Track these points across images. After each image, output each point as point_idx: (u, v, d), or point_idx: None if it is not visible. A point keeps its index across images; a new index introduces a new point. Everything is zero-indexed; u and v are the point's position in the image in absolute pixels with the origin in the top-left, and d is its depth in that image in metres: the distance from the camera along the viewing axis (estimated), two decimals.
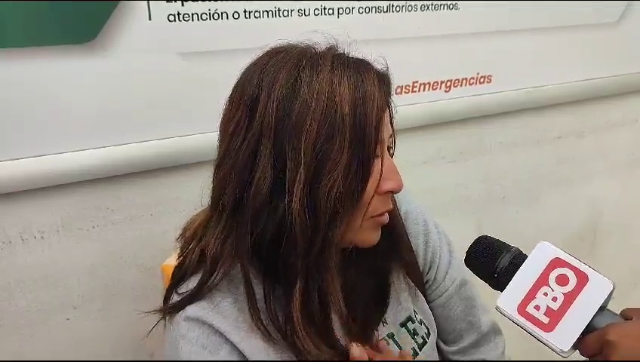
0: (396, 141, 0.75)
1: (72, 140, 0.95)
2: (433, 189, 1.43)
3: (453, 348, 0.90)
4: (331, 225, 0.65)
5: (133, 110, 0.98)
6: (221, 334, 0.69)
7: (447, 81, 1.33)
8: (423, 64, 1.28)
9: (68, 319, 1.04)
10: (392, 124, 0.73)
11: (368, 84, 0.66)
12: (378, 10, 1.17)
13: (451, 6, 1.26)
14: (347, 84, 0.65)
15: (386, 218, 0.73)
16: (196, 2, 0.98)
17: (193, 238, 0.76)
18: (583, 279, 0.57)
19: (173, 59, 0.99)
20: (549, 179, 1.65)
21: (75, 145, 0.95)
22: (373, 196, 0.68)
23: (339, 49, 0.71)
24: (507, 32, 1.37)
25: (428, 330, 0.85)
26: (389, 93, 0.70)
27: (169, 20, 0.97)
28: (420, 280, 0.85)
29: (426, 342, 0.84)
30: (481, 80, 1.38)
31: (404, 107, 1.25)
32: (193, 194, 1.09)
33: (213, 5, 0.99)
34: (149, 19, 0.95)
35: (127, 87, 0.96)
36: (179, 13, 0.97)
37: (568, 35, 1.48)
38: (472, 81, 1.37)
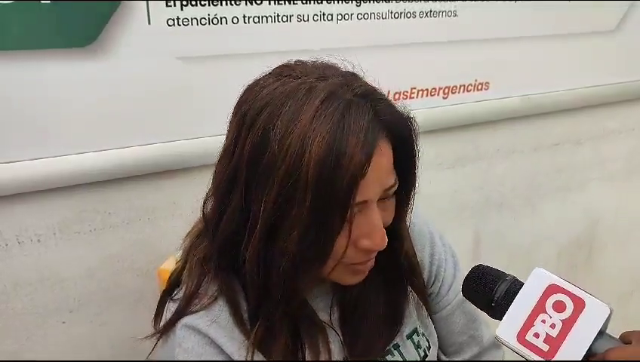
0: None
1: (70, 143, 0.95)
2: (430, 196, 1.42)
3: (454, 360, 0.89)
4: (284, 282, 0.63)
5: (131, 114, 0.99)
6: (217, 345, 0.69)
7: (445, 87, 1.33)
8: (422, 70, 1.28)
9: (64, 322, 1.03)
10: (412, 166, 0.68)
11: (350, 137, 0.59)
12: (377, 16, 1.17)
13: (450, 13, 1.26)
14: (322, 141, 0.58)
15: (369, 265, 0.70)
16: (195, 7, 0.98)
17: (191, 246, 0.76)
18: (579, 304, 0.56)
19: (173, 64, 1.00)
20: (546, 186, 1.65)
21: (72, 148, 0.95)
22: (346, 249, 0.64)
23: (345, 85, 0.63)
24: (505, 39, 1.38)
25: (429, 343, 0.84)
26: (373, 149, 0.61)
27: (168, 25, 0.97)
28: (423, 293, 0.84)
29: (427, 356, 0.83)
30: (479, 87, 1.39)
31: None
32: (191, 199, 1.09)
33: (212, 10, 1.00)
34: (149, 23, 0.96)
35: (125, 91, 0.97)
36: (178, 18, 0.98)
37: (566, 42, 1.48)
38: (469, 87, 1.37)
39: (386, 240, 0.66)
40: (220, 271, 0.70)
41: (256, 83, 0.67)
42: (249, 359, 0.67)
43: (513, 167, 1.56)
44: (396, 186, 0.67)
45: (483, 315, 0.89)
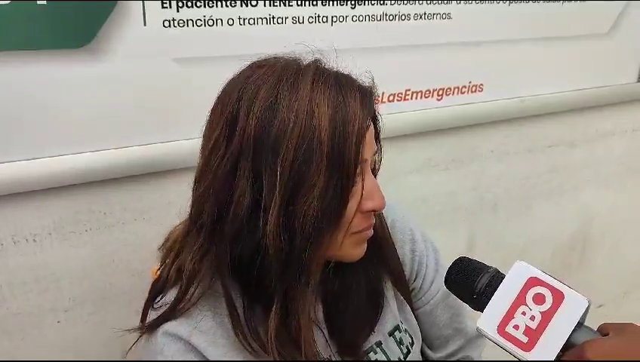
0: (387, 149, 0.75)
1: (65, 143, 0.95)
2: (425, 197, 1.43)
3: (439, 354, 0.90)
4: (308, 247, 0.64)
5: (127, 114, 0.99)
6: (198, 352, 0.69)
7: (440, 89, 1.34)
8: (416, 72, 1.29)
9: (59, 322, 1.04)
10: (377, 140, 0.72)
11: (350, 103, 0.64)
12: (372, 18, 1.18)
13: (444, 15, 1.27)
14: (327, 105, 0.63)
15: (370, 232, 0.73)
16: (191, 9, 0.99)
17: (172, 250, 0.76)
18: (559, 297, 0.57)
19: (168, 65, 1.00)
20: (540, 187, 1.67)
21: (68, 148, 0.96)
22: (354, 215, 0.67)
23: (323, 63, 0.70)
24: (499, 41, 1.39)
25: (412, 339, 0.85)
26: (372, 109, 0.69)
27: (164, 26, 0.98)
28: (406, 289, 0.86)
29: (410, 352, 0.84)
30: (473, 89, 1.40)
31: (396, 115, 1.27)
32: (185, 199, 1.10)
33: (208, 12, 1.00)
34: (144, 24, 0.96)
35: (121, 92, 0.97)
36: (174, 19, 0.98)
37: (559, 45, 1.50)
38: (463, 89, 1.38)
39: (385, 201, 0.70)
40: (216, 272, 0.69)
41: (236, 78, 0.70)
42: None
43: (507, 169, 1.57)
44: (380, 154, 0.73)
45: (467, 307, 0.91)
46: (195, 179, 0.71)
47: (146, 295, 1.00)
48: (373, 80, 0.72)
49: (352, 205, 0.66)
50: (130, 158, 1.01)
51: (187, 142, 1.05)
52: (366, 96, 0.67)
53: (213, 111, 0.70)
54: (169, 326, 0.70)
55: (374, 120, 0.71)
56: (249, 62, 0.71)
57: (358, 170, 0.66)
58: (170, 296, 0.72)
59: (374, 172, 0.74)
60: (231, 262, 0.68)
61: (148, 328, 0.72)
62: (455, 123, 1.41)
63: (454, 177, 1.47)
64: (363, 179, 0.67)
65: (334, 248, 0.68)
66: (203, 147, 0.70)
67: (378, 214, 0.77)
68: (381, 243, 0.80)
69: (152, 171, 1.05)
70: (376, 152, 0.73)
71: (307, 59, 0.71)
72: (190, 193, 0.74)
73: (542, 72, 1.50)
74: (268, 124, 0.63)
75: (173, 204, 1.08)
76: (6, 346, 1.00)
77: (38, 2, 0.87)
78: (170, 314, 0.70)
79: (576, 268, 1.87)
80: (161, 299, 0.73)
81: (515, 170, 1.59)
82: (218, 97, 0.70)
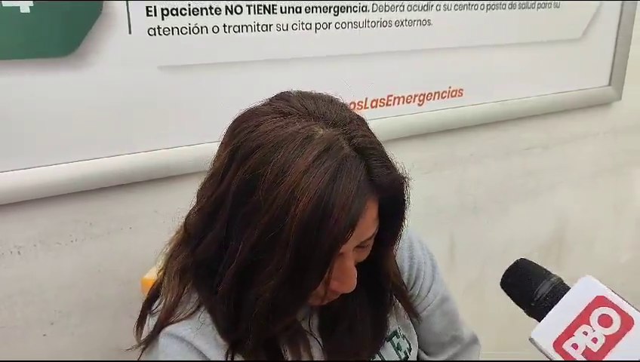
0: None
1: (49, 153, 0.94)
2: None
3: (435, 360, 0.91)
4: (254, 325, 0.64)
5: (111, 123, 0.98)
6: (200, 352, 0.69)
7: (421, 94, 1.36)
8: (398, 78, 1.31)
9: (45, 335, 1.02)
10: (398, 221, 0.68)
11: (339, 197, 0.57)
12: (354, 25, 1.19)
13: (424, 22, 1.29)
14: (310, 200, 0.56)
15: (335, 297, 0.70)
16: (176, 16, 0.99)
17: (170, 257, 0.76)
18: (627, 322, 0.53)
19: (153, 73, 0.99)
20: (517, 190, 1.70)
21: (51, 158, 0.94)
22: (321, 286, 0.63)
23: (345, 136, 0.62)
24: (478, 47, 1.42)
25: (409, 345, 0.86)
26: (375, 200, 0.62)
27: (149, 34, 0.97)
28: (404, 296, 0.86)
29: (408, 357, 0.85)
30: (453, 93, 1.42)
31: (379, 120, 1.28)
32: (171, 208, 1.09)
33: (193, 19, 1.00)
34: (130, 32, 0.95)
35: (106, 100, 0.96)
36: (159, 27, 0.98)
37: (534, 50, 1.53)
38: (444, 94, 1.40)
39: (355, 283, 0.66)
40: (199, 281, 0.70)
41: (253, 114, 0.65)
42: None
43: (486, 172, 1.60)
44: (376, 232, 0.66)
45: (461, 313, 0.92)
46: (197, 194, 0.71)
47: (134, 304, 0.99)
48: (406, 174, 0.67)
49: (318, 284, 0.62)
50: (114, 167, 1.00)
51: (172, 150, 1.05)
52: (356, 200, 0.59)
53: (227, 131, 0.68)
54: (171, 328, 0.70)
55: (396, 201, 0.66)
56: (285, 97, 0.67)
57: (328, 267, 0.60)
58: (167, 301, 0.72)
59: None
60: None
61: (146, 340, 0.72)
62: (436, 127, 1.43)
63: (437, 181, 1.49)
64: (330, 273, 0.61)
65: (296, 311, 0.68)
66: (213, 161, 0.69)
67: None
68: (381, 255, 0.79)
69: (137, 180, 1.04)
70: (374, 234, 0.66)
71: (341, 108, 0.66)
72: (177, 201, 0.75)
73: (518, 76, 1.53)
74: (247, 194, 0.60)
75: (159, 212, 1.08)
76: None
77: (22, 10, 0.86)
78: (166, 320, 0.70)
79: (553, 265, 1.89)
80: (158, 304, 0.73)
81: (494, 172, 1.62)
82: (232, 122, 0.68)
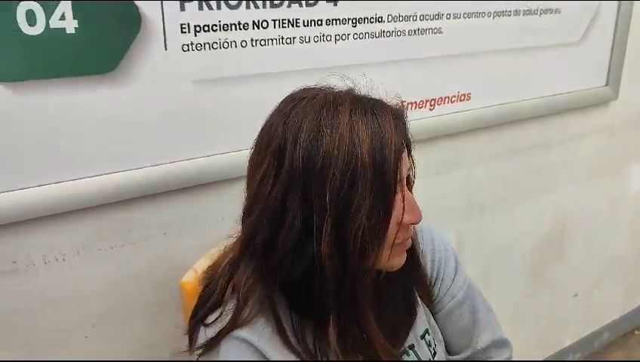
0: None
1: (90, 166, 0.99)
2: (418, 200, 1.51)
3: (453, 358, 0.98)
4: (361, 261, 0.71)
5: (148, 135, 1.03)
6: (263, 355, 0.75)
7: (432, 99, 1.42)
8: (411, 84, 1.37)
9: (86, 337, 1.07)
10: (410, 157, 0.79)
11: (385, 127, 0.70)
12: (371, 36, 1.25)
13: (435, 31, 1.35)
14: (366, 131, 0.69)
15: (409, 242, 0.80)
16: (207, 32, 1.04)
17: (223, 273, 0.80)
18: None
19: (187, 86, 1.04)
20: (520, 188, 1.77)
21: (93, 170, 0.99)
22: (397, 229, 0.74)
23: (356, 91, 0.76)
24: (485, 52, 1.48)
25: (435, 342, 0.92)
26: (405, 130, 0.76)
27: (183, 50, 1.02)
28: (429, 295, 0.93)
29: (436, 353, 0.91)
30: (462, 98, 1.48)
31: None
32: (202, 215, 1.15)
33: (223, 35, 1.05)
34: (165, 49, 1.00)
35: (144, 114, 1.01)
36: (192, 43, 1.03)
37: (536, 54, 1.59)
38: (453, 99, 1.46)
39: (421, 214, 0.77)
40: (265, 290, 0.75)
41: (279, 111, 0.75)
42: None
43: (491, 172, 1.66)
44: (413, 170, 0.81)
45: (484, 317, 0.97)
46: (245, 209, 0.76)
47: (168, 306, 1.05)
48: (402, 102, 0.78)
49: (393, 220, 0.73)
50: (150, 177, 1.05)
51: (204, 159, 1.10)
52: (399, 118, 0.74)
53: (258, 142, 0.75)
54: (234, 332, 0.75)
55: (406, 139, 0.77)
56: (287, 96, 0.77)
57: (397, 188, 0.72)
58: (225, 312, 0.76)
59: (410, 186, 0.81)
60: (280, 282, 0.74)
61: (208, 345, 0.76)
62: (445, 131, 1.49)
63: (446, 181, 1.56)
64: (403, 196, 0.74)
65: (382, 260, 0.75)
66: (249, 178, 0.76)
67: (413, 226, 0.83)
68: (412, 255, 0.86)
69: (170, 189, 1.08)
70: (410, 168, 0.79)
71: (340, 88, 0.77)
72: (208, 207, 0.83)
73: (521, 79, 1.59)
74: (314, 154, 0.69)
75: (192, 219, 1.13)
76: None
77: (68, 31, 0.90)
78: (232, 327, 0.75)
79: (554, 261, 1.99)
80: (218, 316, 0.77)
81: (499, 172, 1.68)
82: (262, 130, 0.75)
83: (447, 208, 1.60)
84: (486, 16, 1.43)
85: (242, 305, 0.75)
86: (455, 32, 1.38)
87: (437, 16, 1.34)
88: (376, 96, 0.78)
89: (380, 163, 0.69)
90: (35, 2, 0.86)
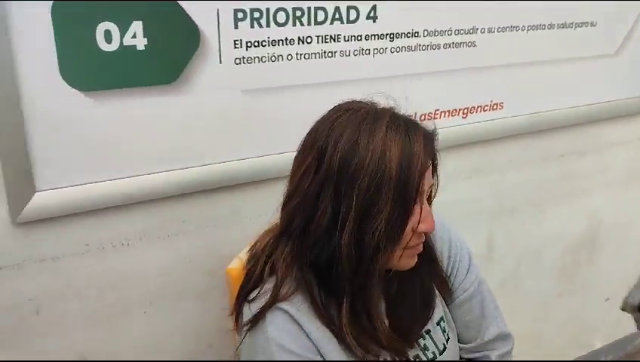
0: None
1: (155, 164, 1.13)
2: (450, 203, 1.59)
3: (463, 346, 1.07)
4: (373, 257, 0.83)
5: (203, 138, 1.16)
6: (301, 327, 0.87)
7: (465, 108, 1.51)
8: (445, 94, 1.46)
9: (145, 312, 1.22)
10: (435, 175, 0.89)
11: (415, 146, 0.81)
12: (407, 49, 1.35)
13: (469, 44, 1.44)
14: (397, 147, 0.80)
15: (420, 248, 0.91)
16: (257, 47, 1.16)
17: (263, 253, 0.94)
18: None
19: (238, 96, 1.17)
20: (553, 193, 1.82)
21: (155, 167, 1.13)
22: (411, 234, 0.85)
23: (397, 110, 0.87)
24: (518, 64, 1.55)
25: (448, 329, 1.02)
26: (434, 151, 0.86)
27: (235, 63, 1.15)
28: (445, 287, 1.03)
29: (449, 339, 1.02)
30: (494, 107, 1.56)
31: None
32: (247, 210, 1.28)
33: (271, 49, 1.17)
34: (220, 62, 1.13)
35: (200, 120, 1.15)
36: (244, 57, 1.15)
37: (572, 65, 1.65)
38: (485, 107, 1.54)
39: (434, 224, 0.87)
40: (300, 269, 0.88)
41: (326, 118, 0.87)
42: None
43: (524, 177, 1.73)
44: (436, 186, 0.90)
45: (492, 311, 1.06)
46: (286, 197, 0.89)
47: (216, 290, 1.18)
48: (435, 127, 0.89)
49: (409, 227, 0.84)
50: (204, 175, 1.19)
51: (251, 160, 1.23)
52: (429, 140, 0.85)
53: (304, 143, 0.88)
54: (277, 305, 0.87)
55: (433, 159, 0.88)
56: (335, 106, 0.89)
57: (417, 200, 0.83)
58: (266, 289, 0.89)
59: (430, 199, 0.91)
60: (310, 264, 0.86)
61: (254, 319, 0.88)
62: (477, 137, 1.57)
63: (476, 185, 1.64)
64: (420, 207, 0.85)
65: (393, 259, 0.87)
66: (294, 172, 0.88)
67: None
68: (430, 252, 0.97)
69: (221, 185, 1.22)
70: (433, 184, 0.90)
71: (382, 104, 0.89)
72: (253, 203, 0.95)
73: (555, 89, 1.65)
74: (350, 159, 0.80)
75: (238, 213, 1.27)
76: (102, 333, 1.19)
77: (138, 48, 1.05)
78: (274, 301, 0.87)
79: (585, 265, 2.04)
80: (258, 292, 0.90)
81: (531, 177, 1.75)
82: (309, 133, 0.88)
83: (478, 210, 1.69)
84: (520, 30, 1.51)
85: (280, 283, 0.88)
86: (488, 45, 1.46)
87: (471, 30, 1.43)
88: (411, 111, 0.89)
89: (404, 176, 0.80)
90: (111, 23, 1.01)
